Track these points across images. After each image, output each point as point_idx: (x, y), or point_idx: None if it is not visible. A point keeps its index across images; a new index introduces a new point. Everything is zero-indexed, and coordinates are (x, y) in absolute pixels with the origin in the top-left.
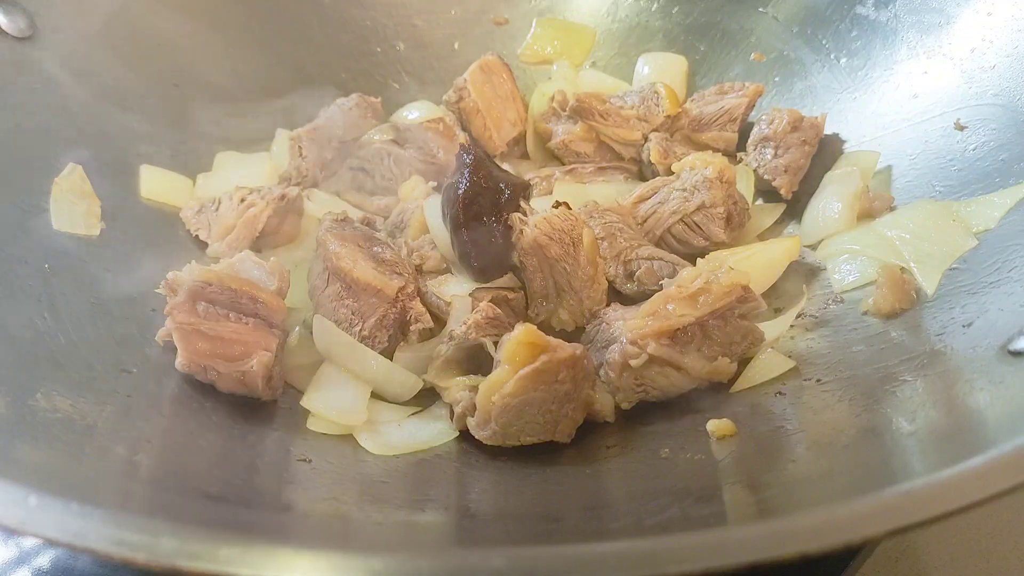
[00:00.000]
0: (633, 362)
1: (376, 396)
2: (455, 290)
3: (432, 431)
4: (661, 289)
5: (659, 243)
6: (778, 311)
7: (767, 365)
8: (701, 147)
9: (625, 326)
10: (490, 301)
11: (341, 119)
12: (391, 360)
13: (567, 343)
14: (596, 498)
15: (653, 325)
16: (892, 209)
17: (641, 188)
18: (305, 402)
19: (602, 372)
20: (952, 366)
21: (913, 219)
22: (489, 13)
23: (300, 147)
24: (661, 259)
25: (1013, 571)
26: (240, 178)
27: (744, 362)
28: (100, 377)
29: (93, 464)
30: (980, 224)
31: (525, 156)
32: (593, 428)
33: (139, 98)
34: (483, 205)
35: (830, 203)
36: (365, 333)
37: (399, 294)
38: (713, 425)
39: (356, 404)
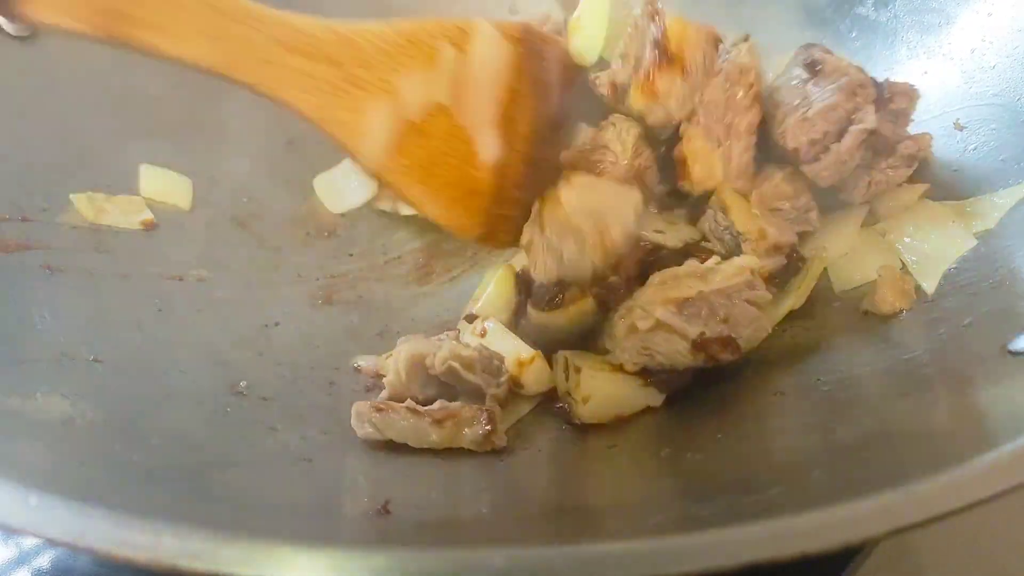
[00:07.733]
0: (640, 323)
1: None
2: None
3: None
4: None
5: None
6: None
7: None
8: None
9: (636, 293)
10: None
11: None
12: None
13: None
14: (596, 498)
15: (662, 292)
16: None
17: None
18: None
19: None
20: (952, 366)
21: (913, 219)
22: (491, 13)
23: None
24: None
25: (1013, 571)
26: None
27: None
28: (100, 377)
29: (93, 464)
30: (980, 224)
31: None
32: (593, 428)
33: (139, 98)
34: None
35: None
36: None
37: None
38: (713, 424)
39: None
